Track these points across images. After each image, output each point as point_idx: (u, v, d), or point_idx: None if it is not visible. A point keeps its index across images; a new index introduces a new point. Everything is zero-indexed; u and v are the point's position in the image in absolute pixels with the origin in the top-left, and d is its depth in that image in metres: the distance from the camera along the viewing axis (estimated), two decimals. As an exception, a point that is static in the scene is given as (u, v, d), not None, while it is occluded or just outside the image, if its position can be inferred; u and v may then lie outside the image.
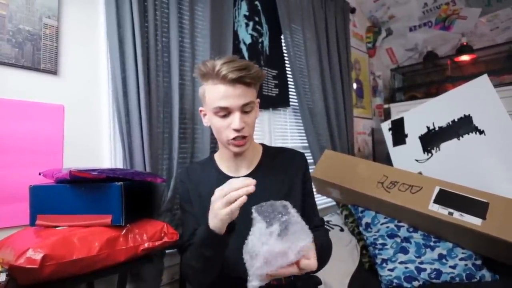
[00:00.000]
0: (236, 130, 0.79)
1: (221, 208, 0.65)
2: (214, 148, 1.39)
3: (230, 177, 0.89)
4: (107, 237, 0.78)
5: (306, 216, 0.89)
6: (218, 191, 0.67)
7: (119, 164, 1.17)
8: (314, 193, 1.01)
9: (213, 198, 0.68)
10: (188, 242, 0.88)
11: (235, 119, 0.78)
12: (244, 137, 0.81)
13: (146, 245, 0.84)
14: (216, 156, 0.97)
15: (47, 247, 0.68)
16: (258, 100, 0.89)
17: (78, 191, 0.83)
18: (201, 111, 0.90)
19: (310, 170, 0.97)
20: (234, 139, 0.80)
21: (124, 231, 0.83)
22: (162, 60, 1.24)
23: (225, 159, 0.92)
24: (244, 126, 0.79)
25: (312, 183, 1.00)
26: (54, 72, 1.04)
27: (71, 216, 0.82)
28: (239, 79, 0.76)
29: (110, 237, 0.79)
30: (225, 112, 0.79)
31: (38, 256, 0.66)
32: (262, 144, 0.99)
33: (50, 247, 0.69)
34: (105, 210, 0.82)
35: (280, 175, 0.91)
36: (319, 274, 1.01)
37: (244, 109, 0.79)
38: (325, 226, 0.98)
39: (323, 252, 0.83)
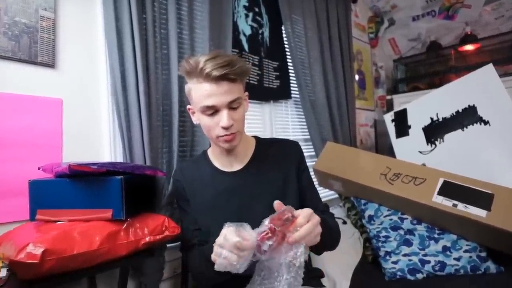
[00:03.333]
0: (225, 128, 0.79)
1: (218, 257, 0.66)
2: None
3: (224, 173, 0.90)
4: (108, 231, 0.78)
5: (309, 204, 0.89)
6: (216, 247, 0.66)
7: (119, 158, 1.16)
8: (316, 185, 1.01)
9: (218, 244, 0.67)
10: (190, 242, 0.90)
11: (223, 117, 0.78)
12: (232, 133, 0.81)
13: (147, 239, 0.84)
14: (209, 152, 0.97)
15: (47, 242, 0.68)
16: (246, 93, 0.87)
17: (78, 185, 0.82)
18: (189, 109, 0.89)
19: (312, 163, 0.97)
20: (223, 135, 0.80)
21: (125, 225, 0.82)
22: (161, 52, 1.22)
23: (218, 155, 0.92)
24: (233, 123, 0.79)
25: (314, 175, 1.00)
26: (51, 65, 1.03)
27: (71, 210, 0.82)
28: (223, 76, 0.75)
29: (111, 231, 0.79)
30: (212, 110, 0.78)
31: (39, 251, 0.65)
32: (255, 137, 0.98)
33: (51, 242, 0.68)
34: (105, 204, 0.82)
35: (274, 167, 0.90)
36: (321, 267, 1.01)
37: (231, 106, 0.78)
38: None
39: (332, 231, 0.84)
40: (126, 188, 0.82)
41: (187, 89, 0.84)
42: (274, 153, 0.93)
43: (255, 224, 0.84)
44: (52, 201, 0.83)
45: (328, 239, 0.81)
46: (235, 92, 0.78)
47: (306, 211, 0.67)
